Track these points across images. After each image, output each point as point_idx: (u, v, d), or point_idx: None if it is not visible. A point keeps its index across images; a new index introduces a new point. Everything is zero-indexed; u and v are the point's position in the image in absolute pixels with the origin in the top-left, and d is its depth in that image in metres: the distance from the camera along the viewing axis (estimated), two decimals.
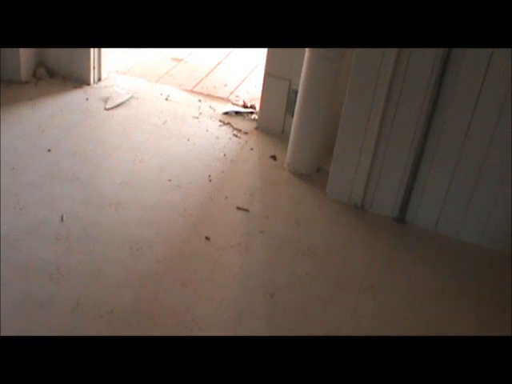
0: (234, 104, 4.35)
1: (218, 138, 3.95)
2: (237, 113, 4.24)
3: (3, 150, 3.52)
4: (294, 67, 3.76)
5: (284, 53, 3.82)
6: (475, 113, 3.07)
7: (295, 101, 3.63)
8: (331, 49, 3.34)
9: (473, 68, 3.00)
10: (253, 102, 4.35)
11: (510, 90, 2.97)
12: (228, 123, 4.11)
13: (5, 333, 2.48)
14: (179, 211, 3.29)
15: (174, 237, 3.13)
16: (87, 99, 4.15)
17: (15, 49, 4.08)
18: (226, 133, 4.01)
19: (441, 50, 2.99)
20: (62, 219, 3.11)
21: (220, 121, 4.13)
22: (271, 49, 3.87)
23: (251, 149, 3.88)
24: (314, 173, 3.70)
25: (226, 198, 3.43)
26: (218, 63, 4.98)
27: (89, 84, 4.31)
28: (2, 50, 4.09)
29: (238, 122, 4.14)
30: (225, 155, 3.79)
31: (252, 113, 4.24)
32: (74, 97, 4.17)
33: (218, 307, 2.77)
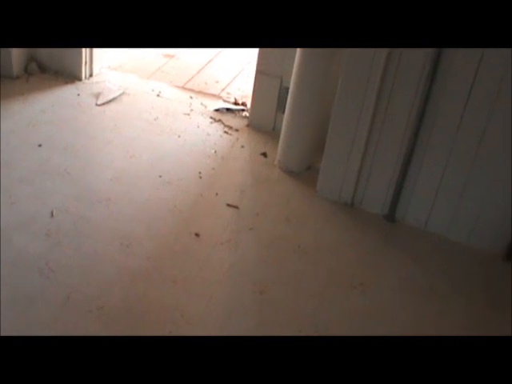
0: (225, 101, 4.35)
1: (208, 134, 3.95)
2: (228, 110, 4.24)
3: None
4: (286, 64, 3.76)
5: (275, 50, 3.82)
6: (466, 111, 3.08)
7: (286, 98, 3.63)
8: None
9: (464, 65, 3.00)
10: (244, 99, 4.35)
11: (500, 88, 2.98)
12: (219, 120, 4.11)
13: None
14: (169, 207, 3.29)
15: (164, 233, 3.13)
16: (79, 95, 4.15)
17: None
18: (216, 130, 4.01)
19: (431, 52, 2.99)
20: (52, 214, 3.11)
21: (211, 118, 4.13)
22: None
23: (242, 146, 3.88)
24: (305, 170, 3.71)
25: (217, 194, 3.43)
26: (210, 60, 4.98)
27: (80, 79, 4.30)
28: None
29: (229, 119, 4.14)
30: (215, 152, 3.79)
31: (243, 110, 4.24)
32: (66, 92, 4.16)
33: (208, 304, 2.78)
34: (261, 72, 3.93)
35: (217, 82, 4.64)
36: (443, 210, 3.30)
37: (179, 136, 3.89)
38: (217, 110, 4.22)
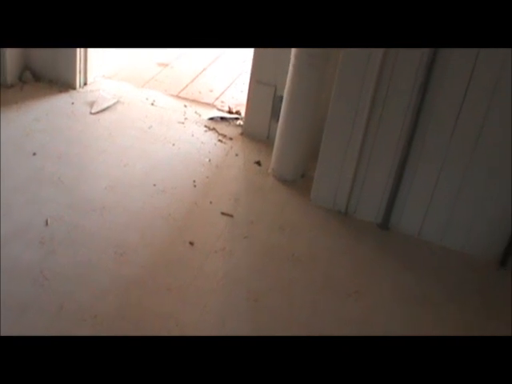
0: (219, 110, 4.36)
1: (203, 143, 3.96)
2: (222, 118, 4.25)
3: None
4: (280, 73, 3.77)
5: (269, 59, 3.83)
6: (459, 119, 3.09)
7: (280, 107, 3.64)
8: (316, 55, 3.35)
9: (457, 75, 3.02)
10: (238, 108, 4.35)
11: (494, 97, 2.99)
12: (213, 129, 4.11)
13: None
14: (164, 216, 3.29)
15: (158, 241, 3.13)
16: (73, 103, 4.15)
17: (1, 52, 4.07)
18: (211, 138, 4.02)
19: (425, 58, 3.00)
20: (47, 223, 3.11)
21: (205, 126, 4.13)
22: (257, 55, 3.88)
23: (236, 154, 3.88)
24: (299, 178, 3.71)
25: (211, 203, 3.43)
26: (204, 69, 4.99)
27: (74, 88, 4.30)
28: None
29: (223, 128, 4.14)
30: (210, 160, 3.79)
31: (237, 118, 4.25)
32: (60, 101, 4.17)
33: (202, 312, 2.78)
34: (255, 81, 3.94)
35: (211, 90, 4.65)
36: (437, 218, 3.31)
37: (173, 144, 3.89)
38: (211, 119, 4.23)
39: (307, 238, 3.30)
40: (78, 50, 4.21)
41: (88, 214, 3.22)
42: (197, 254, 3.08)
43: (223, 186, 3.59)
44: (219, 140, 4.01)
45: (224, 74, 4.95)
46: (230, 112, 4.33)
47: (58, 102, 4.15)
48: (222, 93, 4.64)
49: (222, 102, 4.49)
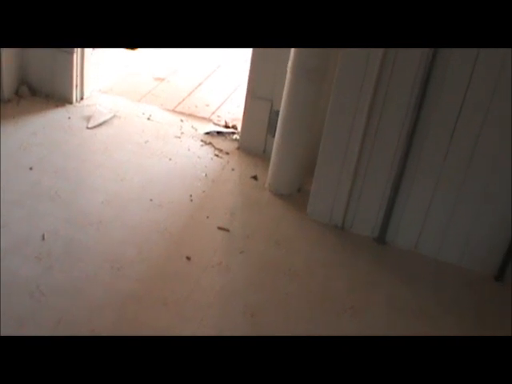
0: (215, 124, 4.37)
1: (199, 157, 3.96)
2: (218, 133, 4.26)
3: None
4: (276, 88, 3.78)
5: (266, 73, 3.84)
6: (454, 134, 3.10)
7: (277, 121, 3.65)
8: (312, 70, 3.37)
9: (454, 87, 3.03)
10: (234, 123, 4.36)
11: (489, 109, 3.01)
12: (210, 143, 4.12)
13: None
14: (160, 230, 3.29)
15: (154, 256, 3.13)
16: (69, 118, 4.16)
17: None
18: (207, 153, 4.03)
19: (421, 70, 3.02)
20: (44, 238, 3.11)
21: (202, 141, 4.14)
22: (253, 69, 3.89)
23: (232, 169, 3.89)
24: (295, 193, 3.72)
25: (207, 217, 3.44)
26: (200, 83, 5.00)
27: (71, 103, 4.30)
28: None
29: (219, 142, 4.15)
30: (206, 175, 3.80)
31: (234, 133, 4.26)
32: (57, 115, 4.17)
33: (199, 326, 2.78)
34: (251, 95, 3.95)
35: (207, 105, 4.66)
36: (433, 232, 3.32)
37: (170, 159, 3.90)
38: (207, 133, 4.23)
39: (304, 252, 3.30)
40: (74, 64, 4.21)
41: (85, 229, 3.22)
42: (193, 269, 3.08)
43: (220, 201, 3.59)
44: (216, 154, 4.01)
45: (220, 88, 4.96)
46: (226, 126, 4.34)
47: (55, 117, 4.15)
48: (219, 107, 4.65)
49: (219, 116, 4.50)
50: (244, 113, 4.03)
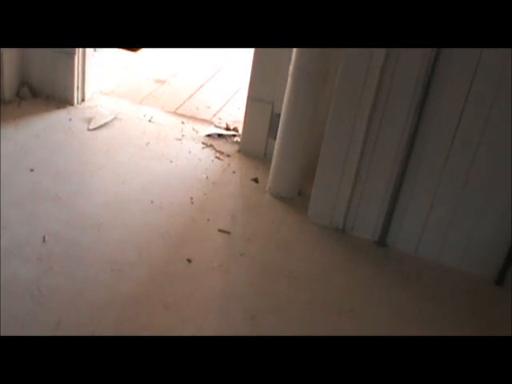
0: (216, 126, 4.37)
1: (200, 160, 3.97)
2: (219, 135, 4.26)
3: None
4: (277, 90, 3.78)
5: (267, 76, 3.85)
6: (456, 137, 3.10)
7: (278, 124, 3.65)
8: (314, 73, 3.37)
9: (455, 90, 3.04)
10: (235, 125, 4.36)
11: (490, 113, 3.01)
12: (211, 145, 4.12)
13: None
14: (161, 232, 3.29)
15: (155, 258, 3.13)
16: (70, 119, 4.16)
17: None
18: (208, 155, 4.03)
19: (423, 73, 3.02)
20: (44, 239, 3.11)
21: (203, 143, 4.14)
22: (254, 72, 3.89)
23: (233, 171, 3.89)
24: (296, 196, 3.72)
25: (208, 220, 3.44)
26: (201, 85, 5.01)
27: (72, 104, 4.31)
28: None
29: (220, 145, 4.15)
30: (207, 177, 3.80)
31: (235, 135, 4.26)
32: (58, 117, 4.17)
33: (199, 329, 2.77)
34: (252, 98, 3.95)
35: (208, 107, 4.67)
36: (434, 235, 3.32)
37: (171, 161, 3.90)
38: (208, 136, 4.23)
39: (304, 255, 3.30)
40: (75, 66, 4.22)
41: (85, 230, 3.22)
42: (194, 271, 3.08)
43: (220, 203, 3.59)
44: (216, 157, 4.01)
45: (221, 90, 4.97)
46: (227, 129, 4.34)
47: (56, 118, 4.15)
48: (220, 109, 4.65)
49: (220, 118, 4.50)
50: (245, 115, 4.03)
